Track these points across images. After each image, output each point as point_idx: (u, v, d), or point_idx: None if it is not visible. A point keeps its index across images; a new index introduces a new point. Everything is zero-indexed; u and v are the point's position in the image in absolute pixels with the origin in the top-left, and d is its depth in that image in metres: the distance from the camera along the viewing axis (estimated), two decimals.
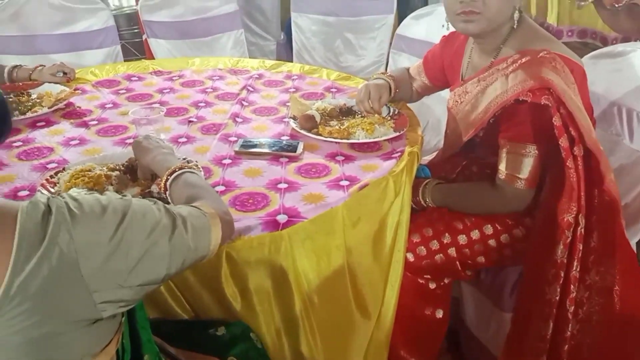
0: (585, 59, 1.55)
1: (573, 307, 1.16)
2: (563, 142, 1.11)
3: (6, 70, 1.81)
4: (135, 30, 3.32)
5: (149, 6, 2.73)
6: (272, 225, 1.10)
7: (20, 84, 1.80)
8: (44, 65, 1.86)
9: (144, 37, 2.83)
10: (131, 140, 1.47)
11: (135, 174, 1.24)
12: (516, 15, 1.27)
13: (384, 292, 1.27)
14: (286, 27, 3.50)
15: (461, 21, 1.25)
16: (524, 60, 1.22)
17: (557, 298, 1.16)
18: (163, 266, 0.75)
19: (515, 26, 1.27)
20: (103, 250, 0.67)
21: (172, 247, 0.75)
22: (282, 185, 1.25)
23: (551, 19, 3.68)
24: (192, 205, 0.87)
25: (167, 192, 1.03)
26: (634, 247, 1.28)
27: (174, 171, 1.03)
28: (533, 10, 3.76)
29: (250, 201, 1.19)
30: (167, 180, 1.03)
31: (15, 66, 1.84)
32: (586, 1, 2.15)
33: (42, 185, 1.20)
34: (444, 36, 1.56)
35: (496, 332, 1.42)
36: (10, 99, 1.66)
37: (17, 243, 0.61)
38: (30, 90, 1.76)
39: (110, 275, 0.67)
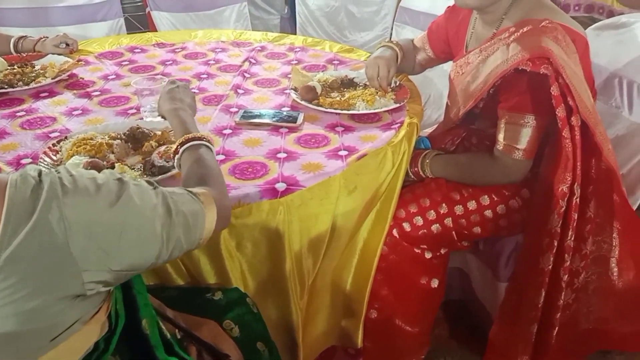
0: (588, 30, 1.54)
1: (567, 276, 1.17)
2: (560, 112, 1.12)
3: (12, 41, 1.82)
4: (139, 3, 3.30)
5: None
6: (271, 193, 1.12)
7: (25, 55, 1.81)
8: (48, 37, 1.87)
9: (147, 10, 2.82)
10: (133, 111, 1.49)
11: (137, 143, 1.26)
12: None
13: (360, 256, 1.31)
14: (290, 1, 3.47)
15: None
16: (525, 29, 1.21)
17: (550, 267, 1.17)
18: (153, 254, 0.73)
19: None
20: (93, 231, 0.65)
21: (164, 236, 0.74)
22: (282, 155, 1.26)
23: None
24: (193, 195, 0.84)
25: (177, 156, 1.01)
26: None
27: (190, 139, 1.01)
28: None
29: (250, 170, 1.20)
30: (180, 145, 1.01)
31: (21, 37, 1.85)
32: None
33: (45, 153, 1.22)
34: (449, 6, 1.54)
35: (497, 301, 1.43)
36: (15, 70, 1.68)
37: (5, 216, 0.60)
38: (34, 62, 1.78)
39: (99, 256, 0.66)
